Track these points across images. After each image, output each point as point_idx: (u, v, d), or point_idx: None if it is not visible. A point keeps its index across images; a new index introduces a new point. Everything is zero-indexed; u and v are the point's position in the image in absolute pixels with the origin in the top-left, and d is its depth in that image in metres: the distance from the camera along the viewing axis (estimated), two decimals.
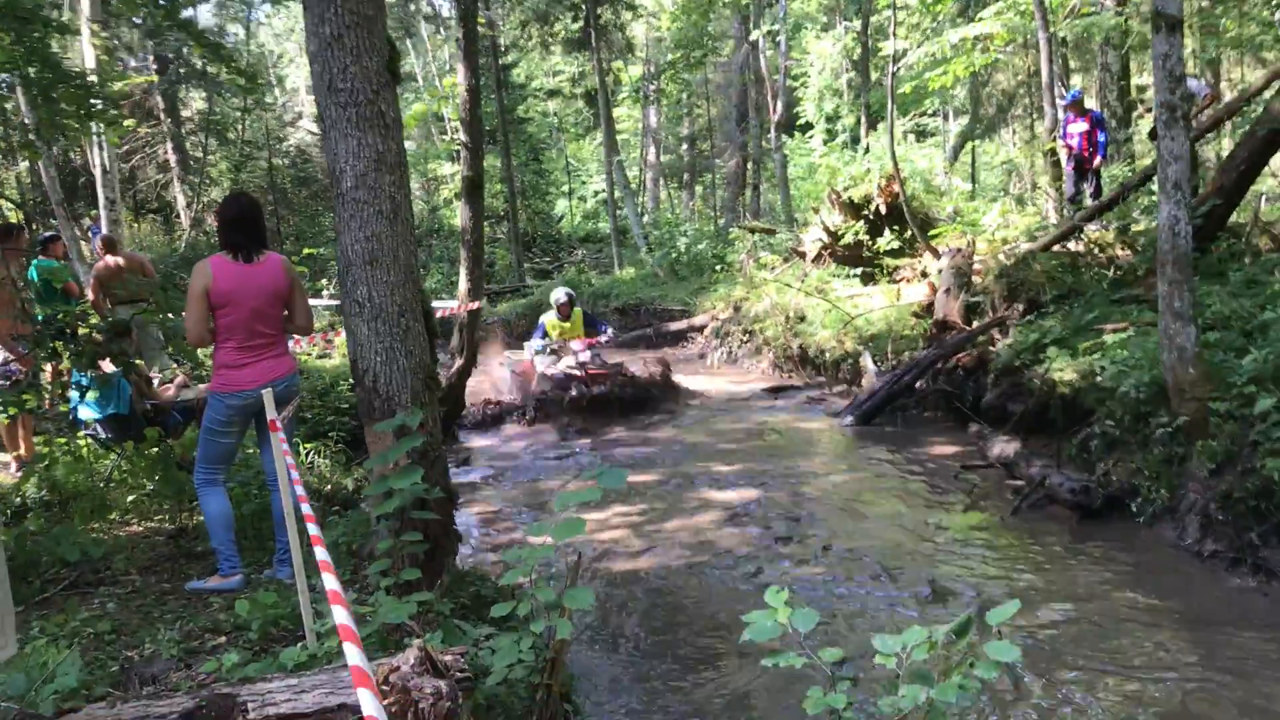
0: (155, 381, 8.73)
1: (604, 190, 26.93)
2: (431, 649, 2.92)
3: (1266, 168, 12.53)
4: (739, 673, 5.15)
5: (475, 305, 11.04)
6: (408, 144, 33.25)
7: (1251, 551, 6.87)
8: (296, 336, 11.22)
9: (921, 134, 28.55)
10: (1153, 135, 10.21)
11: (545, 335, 13.20)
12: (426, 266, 26.67)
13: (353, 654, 2.51)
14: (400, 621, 3.88)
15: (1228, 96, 15.37)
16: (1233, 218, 11.95)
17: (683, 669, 5.30)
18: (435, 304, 13.14)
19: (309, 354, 13.44)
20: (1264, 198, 14.91)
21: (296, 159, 30.81)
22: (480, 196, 10.85)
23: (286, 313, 5.43)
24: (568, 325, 13.29)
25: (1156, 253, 7.99)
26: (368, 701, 2.30)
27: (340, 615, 2.72)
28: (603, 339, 13.39)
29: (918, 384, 11.30)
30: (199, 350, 7.30)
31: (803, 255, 16.63)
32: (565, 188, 32.47)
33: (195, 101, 31.63)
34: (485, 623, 4.45)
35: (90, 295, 10.34)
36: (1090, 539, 7.58)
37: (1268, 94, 10.99)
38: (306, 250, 18.06)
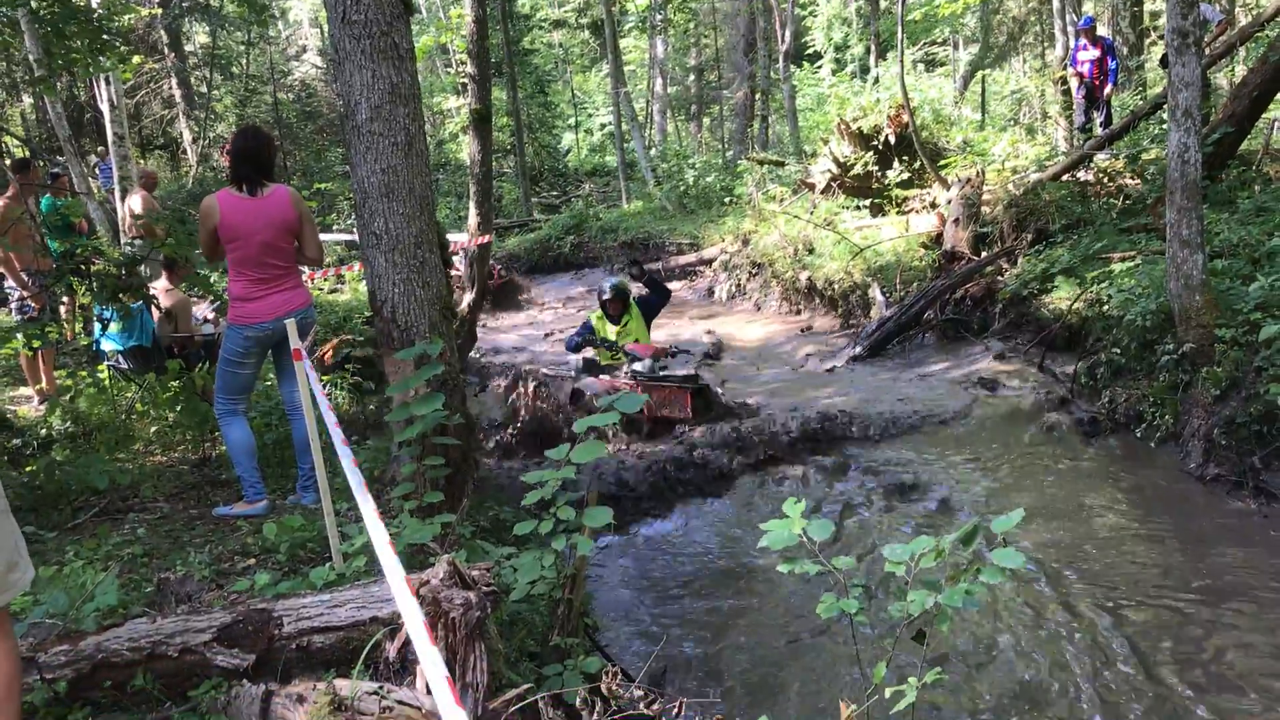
0: (174, 316, 8.82)
1: (611, 123, 26.78)
2: (459, 563, 3.04)
3: (1279, 95, 12.46)
4: (748, 593, 5.31)
5: (485, 239, 11.08)
6: None
7: (1253, 475, 7.00)
8: (309, 270, 11.35)
9: (931, 63, 28.24)
10: (1164, 62, 10.14)
11: (591, 332, 9.55)
12: (435, 201, 26.64)
13: (391, 563, 2.64)
14: (424, 542, 4.02)
15: (1242, 22, 15.17)
16: (1244, 145, 11.91)
17: (692, 592, 5.46)
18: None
19: (320, 289, 13.54)
20: (1276, 125, 14.81)
21: (301, 93, 30.62)
22: (488, 129, 10.82)
23: (298, 245, 5.50)
24: (621, 329, 9.60)
25: (1166, 181, 8.02)
26: (408, 606, 2.43)
27: (377, 529, 2.85)
28: (671, 355, 9.52)
29: (926, 314, 11.37)
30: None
31: (811, 187, 16.57)
32: (572, 121, 32.25)
33: (199, 35, 31.37)
34: (506, 544, 4.59)
35: (131, 230, 10.52)
36: (1096, 460, 7.70)
37: None
38: (316, 184, 18.05)
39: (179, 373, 7.20)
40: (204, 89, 28.20)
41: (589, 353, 9.57)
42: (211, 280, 8.03)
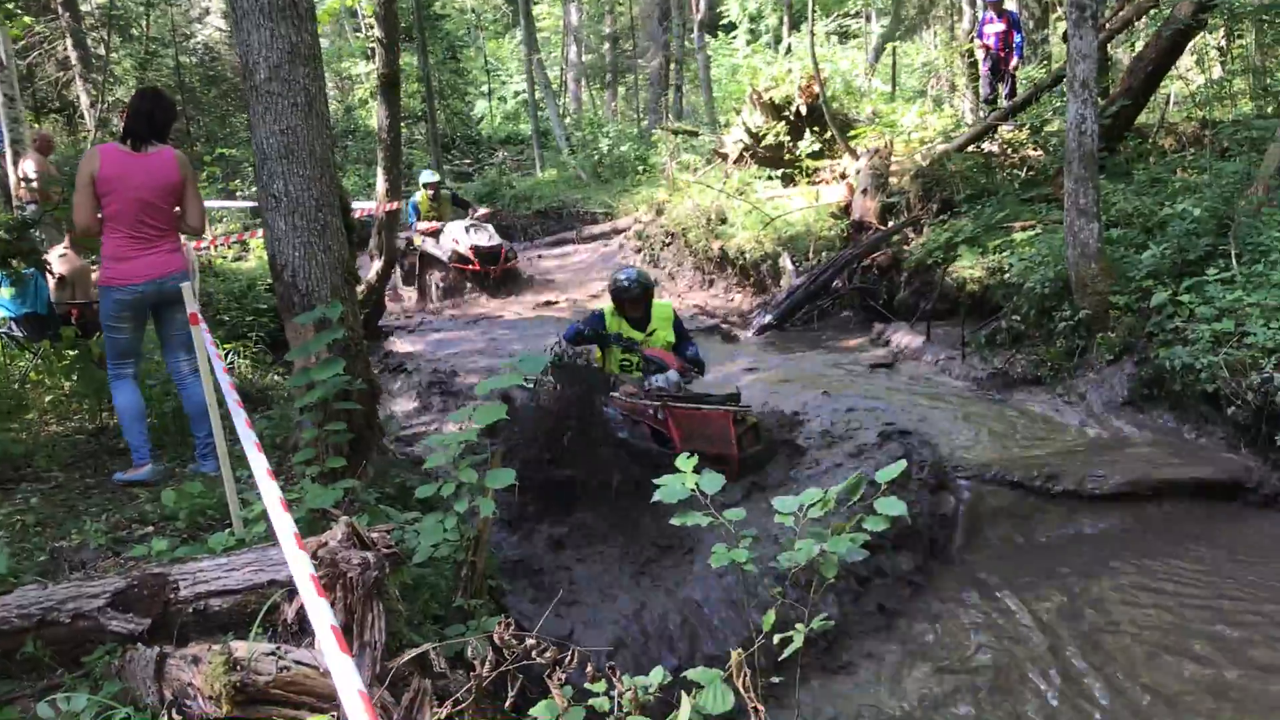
0: (66, 283, 8.58)
1: (524, 90, 26.56)
2: (358, 525, 3.03)
3: (1174, 69, 12.84)
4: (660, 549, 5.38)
5: (394, 206, 10.96)
6: (321, 41, 32.29)
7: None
8: (197, 239, 11.09)
9: (845, 35, 28.46)
10: (1066, 36, 10.39)
11: (602, 324, 7.20)
12: (343, 168, 26.11)
13: (280, 518, 2.63)
14: (325, 507, 3.99)
15: None
16: (1140, 118, 12.27)
17: (595, 545, 5.51)
18: (353, 205, 12.95)
19: (224, 257, 13.26)
20: (1171, 98, 15.26)
21: (205, 57, 29.71)
22: (397, 95, 10.68)
23: (179, 210, 5.37)
24: (643, 336, 7.22)
25: (1065, 151, 8.23)
26: (296, 559, 2.42)
27: (268, 487, 2.82)
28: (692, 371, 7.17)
29: (835, 283, 11.53)
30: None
31: (724, 157, 16.65)
32: (485, 88, 31.87)
33: None
34: (413, 511, 4.58)
35: (22, 194, 10.18)
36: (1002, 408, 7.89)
37: None
38: (219, 150, 17.60)
39: (75, 340, 7.00)
40: (102, 51, 27.23)
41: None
42: None
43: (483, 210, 15.53)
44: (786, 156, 15.29)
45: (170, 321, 5.44)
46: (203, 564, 3.35)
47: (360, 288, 10.78)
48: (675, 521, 2.75)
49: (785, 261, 12.73)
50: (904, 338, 10.00)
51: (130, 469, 5.34)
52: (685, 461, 2.78)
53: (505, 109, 32.64)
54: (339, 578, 2.87)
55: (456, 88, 30.03)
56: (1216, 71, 17.09)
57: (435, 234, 14.75)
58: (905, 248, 11.33)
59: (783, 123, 15.15)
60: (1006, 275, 9.41)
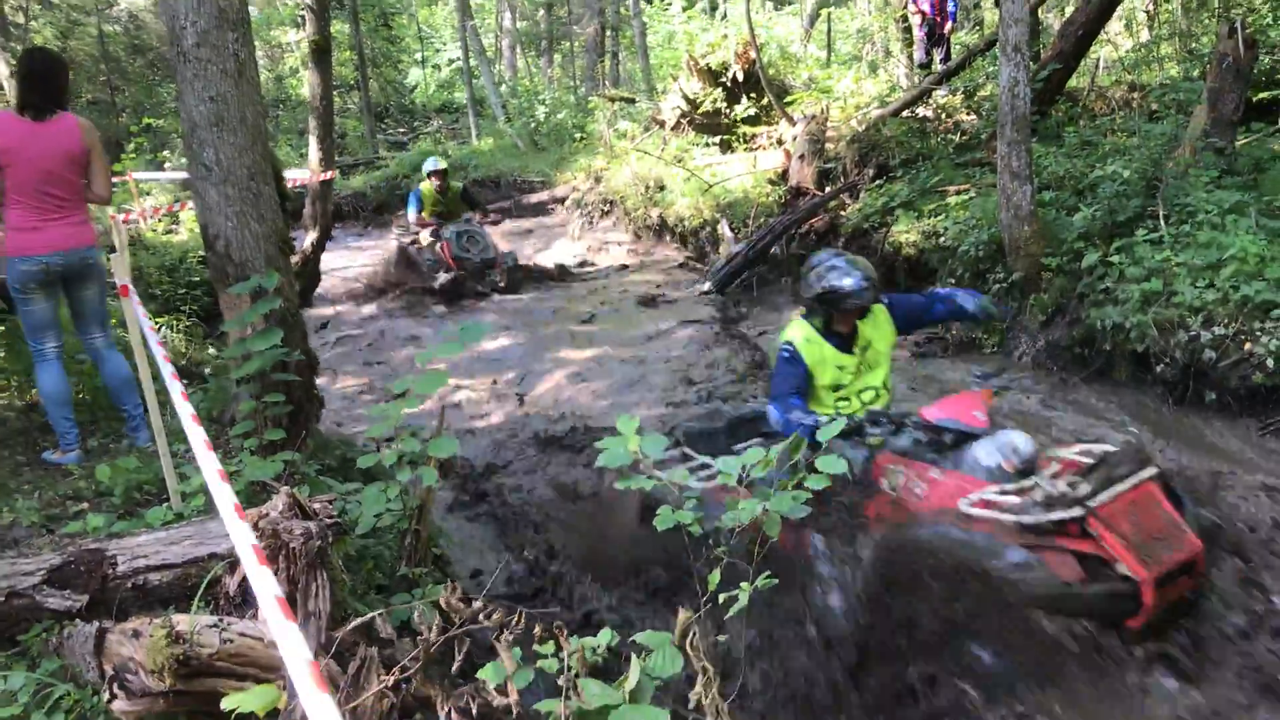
0: None
1: (459, 58, 26.22)
2: (299, 495, 3.01)
3: (1103, 34, 13.02)
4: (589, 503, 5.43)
5: (328, 175, 10.80)
6: (250, 8, 31.59)
7: (1072, 391, 7.42)
8: (123, 211, 10.83)
9: (780, 1, 28.48)
10: (998, 2, 10.49)
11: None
12: (275, 138, 25.64)
13: (220, 488, 2.60)
14: (265, 479, 3.94)
15: None
16: (1071, 82, 12.43)
17: (540, 514, 5.54)
18: (286, 174, 12.69)
19: (154, 230, 12.97)
20: (1101, 63, 15.48)
21: (130, 25, 28.95)
22: (328, 62, 10.52)
23: (86, 181, 5.24)
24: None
25: (998, 115, 8.33)
26: (237, 529, 2.40)
27: (206, 458, 2.79)
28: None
29: (773, 249, 11.57)
30: None
31: (662, 124, 16.60)
32: (418, 56, 31.44)
33: None
34: (352, 481, 4.55)
35: None
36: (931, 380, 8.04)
37: None
38: (145, 120, 17.20)
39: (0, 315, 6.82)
40: (20, 20, 26.40)
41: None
42: None
43: (481, 217, 12.74)
44: (724, 123, 15.28)
45: (80, 298, 5.33)
46: (140, 539, 3.30)
47: (295, 258, 10.69)
48: (619, 485, 2.76)
49: (724, 228, 12.76)
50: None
51: (58, 450, 5.23)
52: (626, 424, 2.79)
53: (440, 77, 32.21)
54: (281, 548, 2.84)
55: (389, 56, 29.63)
56: (1145, 35, 17.38)
57: (433, 234, 12.20)
58: (842, 213, 11.39)
59: (720, 89, 15.12)
60: (942, 239, 9.52)
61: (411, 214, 12.44)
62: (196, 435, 3.01)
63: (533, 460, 6.71)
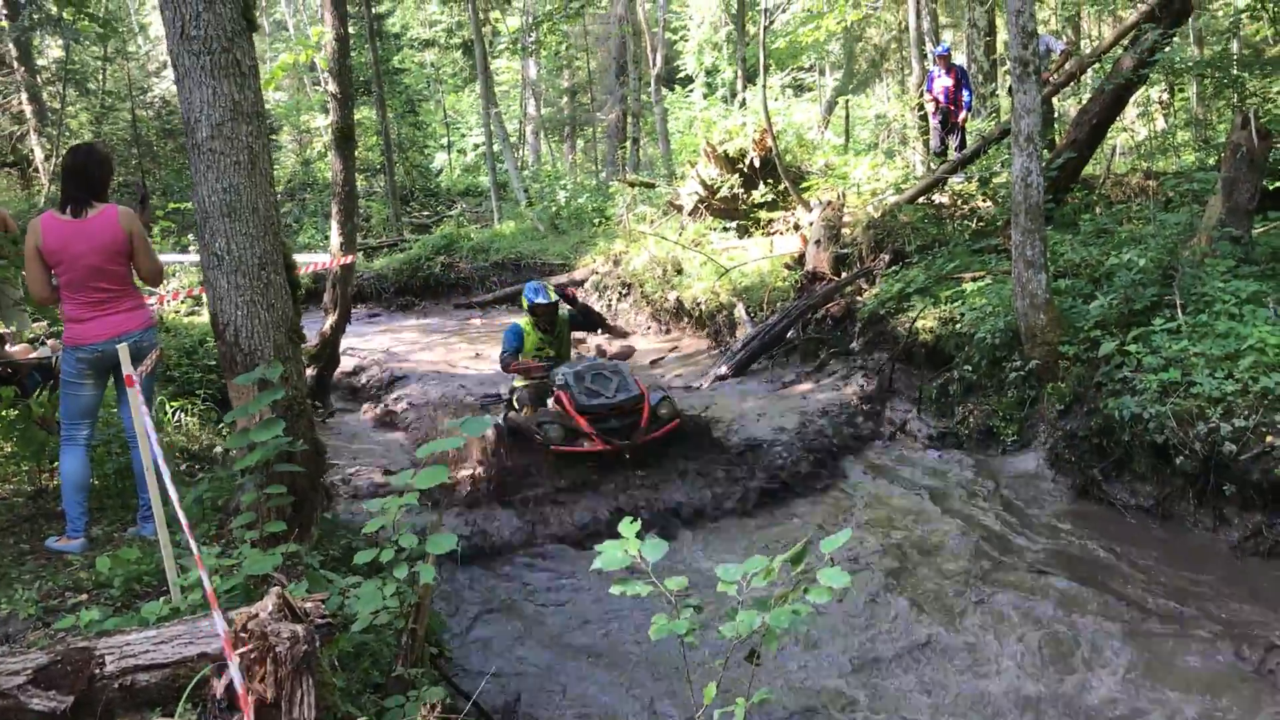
0: (7, 340, 8.40)
1: (483, 143, 26.65)
2: (290, 595, 2.95)
3: (1119, 122, 13.10)
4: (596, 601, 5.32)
5: (348, 259, 10.89)
6: (279, 95, 32.23)
7: (1095, 486, 7.30)
8: (158, 292, 10.95)
9: (800, 89, 28.88)
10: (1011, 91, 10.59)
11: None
12: (300, 221, 26.03)
13: (207, 584, 2.54)
14: (266, 573, 3.89)
15: (1086, 52, 15.90)
16: (1087, 170, 12.47)
17: (544, 602, 5.44)
18: (307, 258, 12.79)
19: (177, 311, 13.09)
20: (1116, 150, 15.56)
21: (162, 110, 29.59)
22: (351, 147, 10.67)
23: (133, 267, 5.32)
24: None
25: (1011, 203, 8.33)
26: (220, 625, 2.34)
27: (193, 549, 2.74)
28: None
29: (789, 333, 11.56)
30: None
31: (680, 209, 16.76)
32: (444, 140, 31.97)
33: (52, 49, 30.09)
34: (358, 573, 4.48)
35: None
36: (949, 473, 7.95)
37: (1118, 50, 11.44)
38: (172, 205, 17.46)
39: (13, 399, 6.84)
40: (58, 105, 27.06)
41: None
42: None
43: (615, 345, 10.49)
44: (741, 208, 15.41)
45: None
46: (130, 636, 3.24)
47: (313, 341, 10.74)
48: (615, 591, 2.69)
49: (740, 311, 12.77)
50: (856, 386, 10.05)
51: (63, 538, 5.21)
52: (628, 527, 2.73)
53: (464, 161, 32.73)
54: (268, 651, 2.78)
55: (415, 140, 30.12)
56: (1160, 124, 17.50)
57: (537, 382, 8.64)
58: (859, 298, 11.39)
59: (737, 175, 15.29)
60: (959, 325, 9.47)
61: (506, 359, 8.69)
62: (185, 534, 2.96)
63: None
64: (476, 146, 31.22)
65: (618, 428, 7.81)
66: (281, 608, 2.90)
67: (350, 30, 12.03)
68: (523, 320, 8.75)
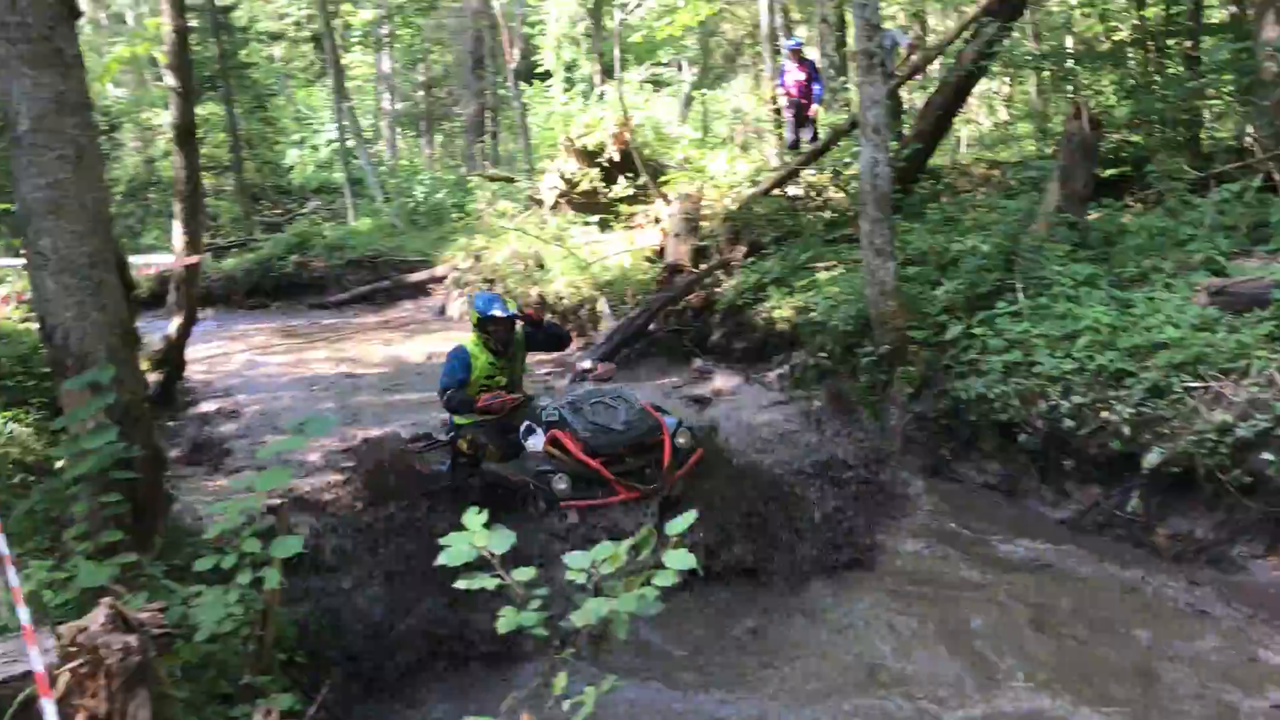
0: None
1: (337, 139, 26.03)
2: (123, 607, 2.82)
3: (964, 113, 13.57)
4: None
5: (193, 260, 10.49)
6: (119, 91, 30.84)
7: (945, 465, 7.54)
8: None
9: (659, 84, 29.06)
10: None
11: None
12: (144, 222, 25.03)
13: (23, 615, 2.41)
14: (101, 585, 3.71)
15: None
16: (935, 160, 12.89)
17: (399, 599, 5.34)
18: (151, 259, 12.26)
19: (10, 317, 12.43)
20: (963, 141, 16.12)
21: None
22: (193, 144, 10.28)
23: None
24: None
25: (860, 194, 8.54)
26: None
27: (11, 578, 2.59)
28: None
29: (650, 326, 11.63)
30: None
31: (541, 203, 16.70)
32: (296, 137, 31.10)
33: None
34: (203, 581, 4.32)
35: None
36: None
37: (959, 43, 11.83)
38: (2, 206, 16.54)
39: None
40: None
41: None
42: None
43: (601, 366, 7.97)
44: (602, 202, 15.43)
45: None
46: None
47: (157, 346, 10.33)
48: (460, 585, 2.65)
49: (603, 306, 12.78)
50: (722, 378, 10.16)
51: None
52: (473, 518, 2.69)
53: (318, 158, 31.87)
54: (99, 665, 2.65)
55: (265, 137, 29.22)
56: (1003, 115, 18.19)
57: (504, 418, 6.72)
58: (718, 290, 11.53)
59: (597, 169, 15.31)
60: (813, 314, 9.66)
61: (453, 394, 6.71)
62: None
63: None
64: (330, 142, 30.44)
65: (635, 468, 6.19)
66: (114, 619, 2.76)
67: (194, 23, 11.61)
68: (469, 340, 6.86)
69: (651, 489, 6.04)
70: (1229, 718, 4.33)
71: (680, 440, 6.32)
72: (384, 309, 17.30)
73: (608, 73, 22.54)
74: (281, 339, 15.19)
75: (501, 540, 2.63)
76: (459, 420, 6.87)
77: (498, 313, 6.62)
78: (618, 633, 2.51)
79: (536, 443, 6.33)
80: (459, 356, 6.78)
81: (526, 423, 6.45)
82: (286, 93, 32.41)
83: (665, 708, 4.50)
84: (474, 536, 2.62)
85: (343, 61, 26.55)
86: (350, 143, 24.17)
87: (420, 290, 17.78)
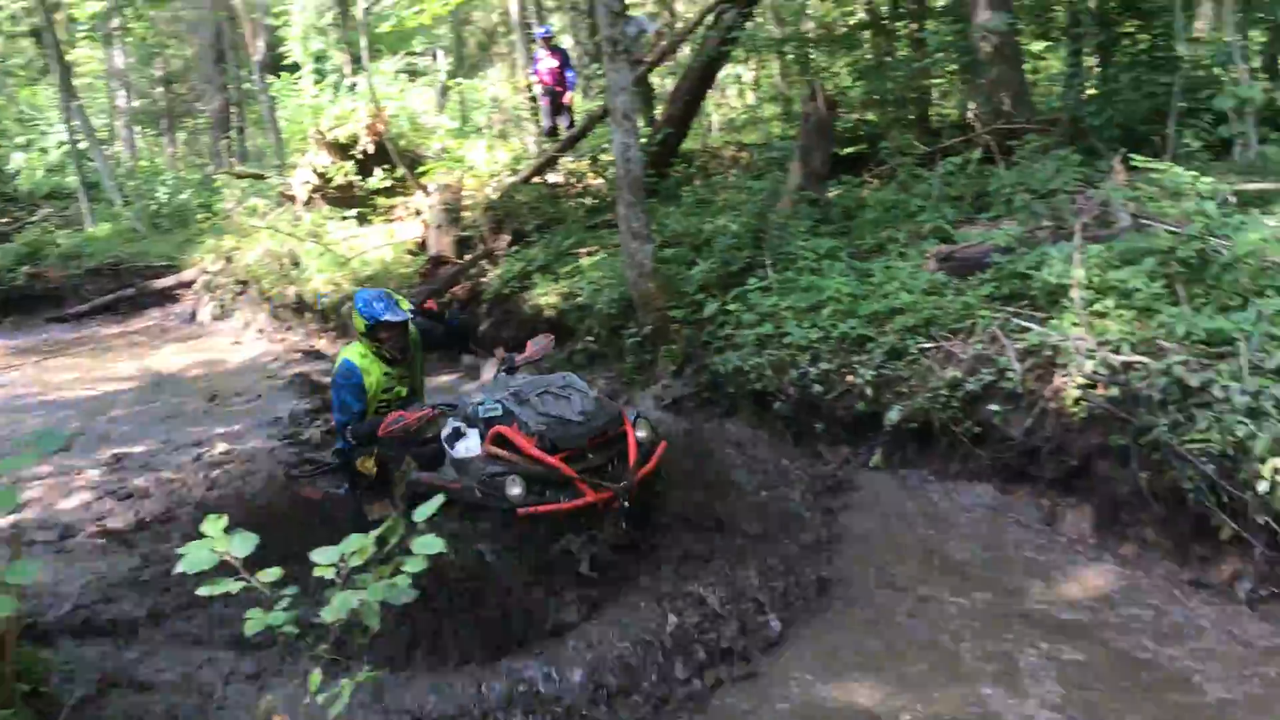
0: None
1: (67, 141, 24.28)
2: None
3: (717, 98, 13.99)
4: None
5: None
6: None
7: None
8: None
9: (414, 73, 28.52)
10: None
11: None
12: None
13: None
14: None
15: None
16: (688, 144, 13.25)
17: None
18: None
19: None
20: (714, 125, 16.62)
21: None
22: None
23: None
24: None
25: (615, 178, 8.70)
26: None
27: None
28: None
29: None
30: None
31: (294, 199, 16.11)
32: (21, 139, 28.81)
33: None
34: None
35: None
36: None
37: (703, 29, 12.19)
38: None
39: None
40: None
41: None
42: None
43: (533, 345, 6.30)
44: (358, 195, 15.07)
45: None
46: None
47: None
48: (202, 592, 2.55)
49: None
50: (490, 371, 10.12)
51: None
52: (213, 524, 2.59)
53: (48, 160, 29.65)
54: None
55: None
56: (750, 99, 18.86)
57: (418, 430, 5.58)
58: (483, 280, 11.48)
59: (351, 162, 14.94)
60: (579, 299, 9.77)
61: (358, 428, 5.65)
62: None
63: None
64: (61, 144, 28.38)
65: (597, 465, 5.23)
66: None
67: None
68: (354, 352, 5.72)
69: (622, 487, 5.06)
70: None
71: (641, 433, 5.44)
72: (129, 319, 16.32)
73: (358, 63, 21.99)
74: (18, 358, 14.08)
75: (243, 543, 2.55)
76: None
77: (390, 318, 5.53)
78: (369, 622, 2.49)
79: (471, 445, 5.30)
80: (349, 380, 5.62)
81: (452, 425, 5.43)
82: (6, 92, 30.00)
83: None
84: (215, 542, 2.53)
85: (69, 57, 24.79)
86: (83, 144, 22.60)
87: (167, 297, 16.90)
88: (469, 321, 6.86)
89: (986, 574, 5.34)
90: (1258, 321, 5.20)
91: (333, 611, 2.46)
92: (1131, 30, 11.03)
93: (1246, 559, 4.80)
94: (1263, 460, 4.55)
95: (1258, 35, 11.80)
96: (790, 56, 14.94)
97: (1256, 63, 11.34)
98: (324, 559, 2.52)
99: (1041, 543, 5.58)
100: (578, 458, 5.13)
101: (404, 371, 5.83)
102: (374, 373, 5.65)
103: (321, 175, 15.24)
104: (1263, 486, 4.54)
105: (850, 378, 6.74)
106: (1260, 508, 4.60)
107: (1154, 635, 4.60)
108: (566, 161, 13.24)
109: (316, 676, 2.49)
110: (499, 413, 5.27)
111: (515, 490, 4.97)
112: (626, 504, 5.07)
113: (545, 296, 10.33)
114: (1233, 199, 6.63)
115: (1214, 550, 4.98)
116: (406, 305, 5.71)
